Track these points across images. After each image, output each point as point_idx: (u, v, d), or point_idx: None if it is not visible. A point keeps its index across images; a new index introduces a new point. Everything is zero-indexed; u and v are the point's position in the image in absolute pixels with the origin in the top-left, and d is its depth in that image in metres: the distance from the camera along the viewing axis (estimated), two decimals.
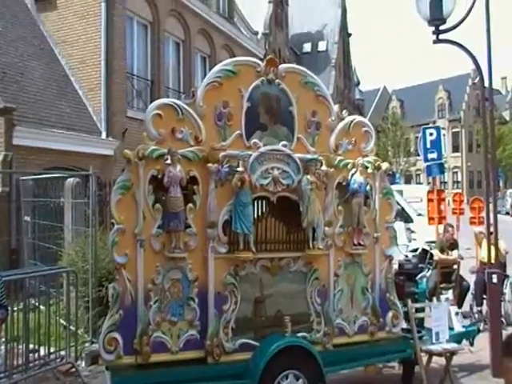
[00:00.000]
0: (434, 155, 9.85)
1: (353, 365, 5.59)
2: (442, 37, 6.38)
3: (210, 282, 4.73)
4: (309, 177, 5.02)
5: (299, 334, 5.04)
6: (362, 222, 5.40)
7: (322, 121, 5.36)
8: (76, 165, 11.08)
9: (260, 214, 5.17)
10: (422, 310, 6.26)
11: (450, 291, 7.75)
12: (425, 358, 5.83)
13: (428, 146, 9.91)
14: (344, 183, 5.43)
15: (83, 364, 6.60)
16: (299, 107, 5.21)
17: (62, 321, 6.75)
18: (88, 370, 6.46)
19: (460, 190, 42.94)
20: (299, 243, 5.15)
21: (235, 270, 4.84)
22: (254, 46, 22.09)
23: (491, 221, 6.69)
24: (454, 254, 8.84)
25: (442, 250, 8.84)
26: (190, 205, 4.71)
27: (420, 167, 45.83)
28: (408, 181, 53.60)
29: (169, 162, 4.57)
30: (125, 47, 13.73)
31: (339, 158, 5.41)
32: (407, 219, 12.53)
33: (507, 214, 34.84)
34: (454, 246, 8.92)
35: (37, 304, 6.37)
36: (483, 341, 6.72)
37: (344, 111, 5.66)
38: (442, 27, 6.25)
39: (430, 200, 9.93)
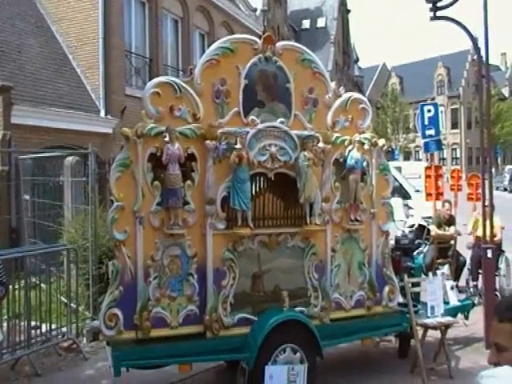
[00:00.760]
0: (431, 132, 9.84)
1: (350, 338, 5.69)
2: (439, 14, 6.35)
3: (208, 257, 4.80)
4: (306, 153, 5.05)
5: (297, 309, 5.12)
6: (359, 197, 5.45)
7: (319, 98, 5.37)
8: (75, 143, 11.07)
9: (258, 190, 5.21)
10: (417, 284, 6.34)
11: (447, 266, 7.84)
12: (420, 332, 5.93)
13: (426, 122, 9.89)
14: (341, 160, 5.47)
15: (84, 340, 6.73)
16: (296, 84, 5.22)
17: (62, 298, 6.84)
18: (89, 346, 6.59)
19: (459, 167, 43.02)
20: (297, 219, 5.21)
21: (233, 245, 4.90)
22: (253, 22, 21.87)
23: (487, 197, 6.74)
24: (451, 230, 8.92)
25: (439, 226, 8.91)
26: (189, 182, 4.76)
27: (419, 144, 45.76)
28: (407, 157, 53.66)
29: (167, 139, 4.60)
30: (123, 25, 13.60)
31: (336, 134, 5.44)
32: (405, 195, 12.56)
33: (505, 190, 34.92)
34: (450, 221, 9.00)
35: (38, 282, 6.45)
36: (478, 315, 6.84)
37: (341, 88, 5.66)
38: (439, 4, 6.22)
39: (427, 176, 9.96)
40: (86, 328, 6.77)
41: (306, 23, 43.31)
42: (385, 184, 5.80)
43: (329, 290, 5.34)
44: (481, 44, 6.78)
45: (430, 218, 9.80)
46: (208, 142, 4.76)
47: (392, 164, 15.47)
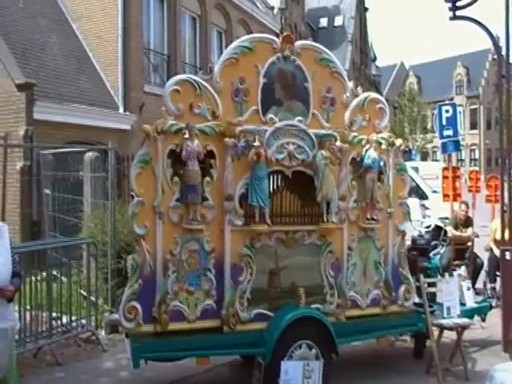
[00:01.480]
0: (449, 132, 9.76)
1: (365, 337, 5.72)
2: (459, 13, 6.32)
3: (226, 253, 4.86)
4: (323, 152, 5.10)
5: (313, 306, 5.17)
6: (376, 197, 5.48)
7: (336, 97, 5.41)
8: (94, 139, 11.23)
9: (275, 187, 5.26)
10: (434, 285, 6.33)
11: (463, 268, 7.81)
12: (436, 333, 5.93)
13: (444, 122, 9.80)
14: (358, 159, 5.49)
15: (103, 333, 6.84)
16: (314, 83, 5.26)
17: (82, 291, 6.97)
18: (107, 339, 6.69)
19: (477, 168, 42.56)
20: (313, 217, 5.25)
21: (251, 242, 4.96)
22: (270, 20, 21.90)
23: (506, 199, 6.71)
24: (469, 231, 8.89)
25: (455, 227, 8.88)
26: (208, 178, 4.82)
27: (437, 144, 45.34)
28: (424, 158, 53.19)
29: (187, 136, 4.67)
30: (141, 22, 13.74)
31: (353, 133, 5.47)
32: (422, 196, 12.54)
33: None
34: (468, 223, 8.96)
35: (58, 275, 6.58)
36: (495, 317, 6.81)
37: (358, 88, 5.69)
38: (458, 3, 6.19)
39: (445, 177, 9.89)
40: (105, 321, 6.89)
41: (324, 21, 43.21)
42: (402, 184, 5.82)
43: (345, 288, 5.37)
44: (502, 43, 6.75)
45: (446, 218, 9.76)
46: (227, 139, 4.82)
47: (409, 164, 15.47)
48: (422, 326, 5.85)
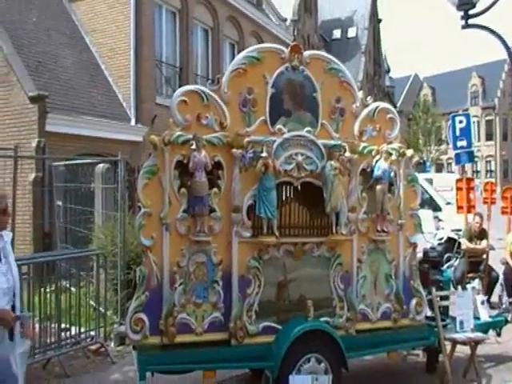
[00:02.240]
0: (463, 143, 9.67)
1: (375, 351, 5.60)
2: (471, 21, 6.24)
3: (234, 265, 4.81)
4: (332, 163, 5.03)
5: (322, 319, 5.09)
6: (386, 208, 5.39)
7: (346, 107, 5.35)
8: (106, 151, 11.30)
9: (284, 199, 5.20)
10: (446, 298, 6.22)
11: (477, 280, 7.67)
12: (449, 347, 5.81)
13: (457, 133, 9.72)
14: (368, 170, 5.42)
15: (112, 344, 6.81)
16: (323, 93, 5.22)
17: (91, 302, 6.96)
18: (116, 350, 6.67)
19: (493, 180, 42.09)
20: (322, 228, 5.18)
21: (259, 253, 4.90)
22: (283, 32, 21.99)
23: None
24: (483, 244, 8.74)
25: (470, 239, 8.74)
26: (215, 189, 4.79)
27: (451, 156, 45.09)
28: (439, 169, 52.81)
29: (194, 147, 4.65)
30: (154, 35, 13.87)
31: (363, 144, 5.40)
32: (435, 207, 12.42)
33: None
34: (482, 235, 8.81)
35: (68, 286, 6.58)
36: (511, 332, 6.65)
37: (368, 98, 5.64)
38: (471, 11, 6.11)
39: (458, 189, 9.78)
40: (114, 332, 6.87)
41: (337, 33, 43.26)
42: (413, 195, 5.72)
43: (355, 301, 5.28)
44: None
45: (459, 230, 9.62)
46: (235, 150, 4.79)
47: (423, 176, 15.39)
48: (434, 339, 5.73)
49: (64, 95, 11.42)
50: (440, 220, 11.34)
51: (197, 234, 4.68)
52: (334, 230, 5.13)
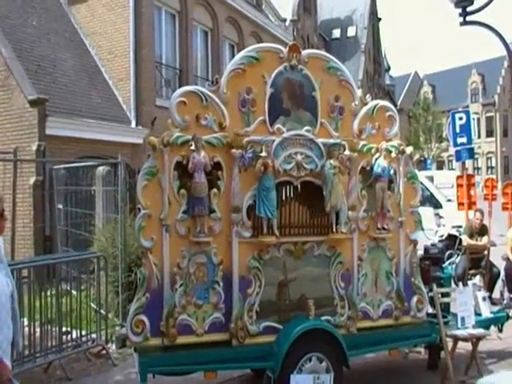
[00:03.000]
0: (463, 140, 9.69)
1: (377, 349, 5.60)
2: (469, 18, 6.24)
3: (234, 265, 4.81)
4: (332, 161, 5.03)
5: (323, 318, 5.08)
6: (386, 206, 5.39)
7: (345, 105, 5.35)
8: (106, 153, 11.30)
9: (284, 198, 5.20)
10: (448, 295, 6.22)
11: (478, 277, 7.66)
12: (450, 344, 5.80)
13: (457, 130, 9.74)
14: (368, 168, 5.42)
15: (113, 347, 6.81)
16: (322, 92, 5.22)
17: (92, 305, 6.96)
18: (118, 353, 6.67)
19: (494, 176, 42.05)
20: (323, 227, 5.18)
21: (259, 253, 4.90)
22: (283, 33, 21.98)
23: None
24: (484, 240, 8.74)
25: (470, 236, 8.74)
26: (215, 190, 4.79)
27: (452, 153, 45.04)
28: (440, 167, 52.77)
29: (193, 148, 4.65)
30: (153, 37, 13.86)
31: (363, 142, 5.40)
32: (436, 205, 12.42)
33: None
34: (483, 231, 8.81)
35: (69, 288, 6.58)
36: None
37: (367, 96, 5.63)
38: (469, 8, 6.11)
39: (459, 185, 9.78)
40: (116, 335, 6.86)
41: (337, 33, 43.31)
42: (413, 192, 5.72)
43: (355, 299, 5.28)
44: None
45: (459, 226, 9.62)
46: (234, 150, 4.79)
47: (424, 173, 15.40)
48: (436, 336, 5.74)
49: (64, 98, 11.43)
50: (441, 217, 11.35)
51: (197, 234, 4.68)
52: (334, 229, 5.13)
